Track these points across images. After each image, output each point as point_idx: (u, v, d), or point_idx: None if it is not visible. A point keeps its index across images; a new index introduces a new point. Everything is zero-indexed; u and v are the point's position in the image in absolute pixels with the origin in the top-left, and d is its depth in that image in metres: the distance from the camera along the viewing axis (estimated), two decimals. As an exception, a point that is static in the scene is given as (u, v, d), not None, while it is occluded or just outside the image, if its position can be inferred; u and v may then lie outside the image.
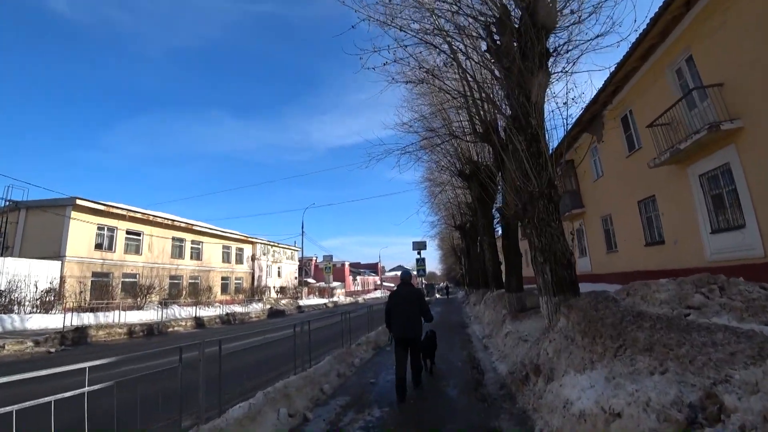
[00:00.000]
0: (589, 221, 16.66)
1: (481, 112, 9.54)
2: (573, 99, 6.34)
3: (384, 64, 6.81)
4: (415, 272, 26.42)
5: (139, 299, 21.61)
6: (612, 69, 9.85)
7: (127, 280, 24.63)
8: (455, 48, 7.66)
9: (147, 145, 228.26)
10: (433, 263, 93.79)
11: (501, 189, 11.95)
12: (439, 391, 5.45)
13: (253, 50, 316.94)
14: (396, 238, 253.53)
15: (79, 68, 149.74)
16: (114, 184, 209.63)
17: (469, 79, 9.81)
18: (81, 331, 13.34)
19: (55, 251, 21.44)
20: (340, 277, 69.84)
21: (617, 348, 3.66)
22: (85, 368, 2.82)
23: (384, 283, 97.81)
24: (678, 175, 10.13)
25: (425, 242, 23.66)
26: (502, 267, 15.01)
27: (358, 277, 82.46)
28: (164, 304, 22.87)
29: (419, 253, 22.95)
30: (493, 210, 13.36)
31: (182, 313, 21.95)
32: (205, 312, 23.58)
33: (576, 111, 13.44)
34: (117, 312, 18.18)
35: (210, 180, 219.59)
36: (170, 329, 16.91)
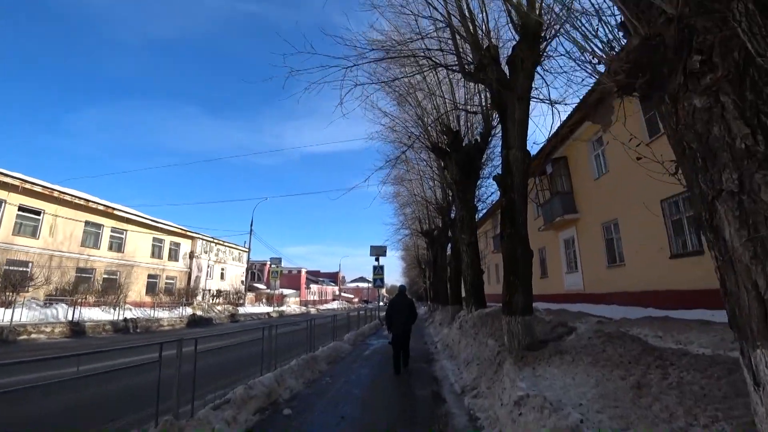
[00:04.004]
0: (583, 229, 13.61)
1: (472, 32, 6.13)
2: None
3: None
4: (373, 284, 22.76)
5: (7, 293, 16.55)
6: None
7: (12, 268, 19.38)
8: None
9: (114, 135, 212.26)
10: (395, 275, 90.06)
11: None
12: None
13: (233, 48, 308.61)
14: (359, 249, 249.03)
15: (44, 46, 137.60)
16: (76, 172, 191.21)
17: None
18: None
19: None
20: (296, 284, 64.92)
21: None
22: None
23: (344, 294, 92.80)
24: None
25: (385, 248, 19.75)
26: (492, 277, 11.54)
27: (313, 286, 76.82)
28: (49, 302, 17.93)
29: (377, 260, 19.15)
30: (482, 182, 9.83)
31: (68, 315, 17.06)
32: (104, 315, 18.75)
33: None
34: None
35: (179, 177, 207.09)
36: (23, 336, 12.19)
